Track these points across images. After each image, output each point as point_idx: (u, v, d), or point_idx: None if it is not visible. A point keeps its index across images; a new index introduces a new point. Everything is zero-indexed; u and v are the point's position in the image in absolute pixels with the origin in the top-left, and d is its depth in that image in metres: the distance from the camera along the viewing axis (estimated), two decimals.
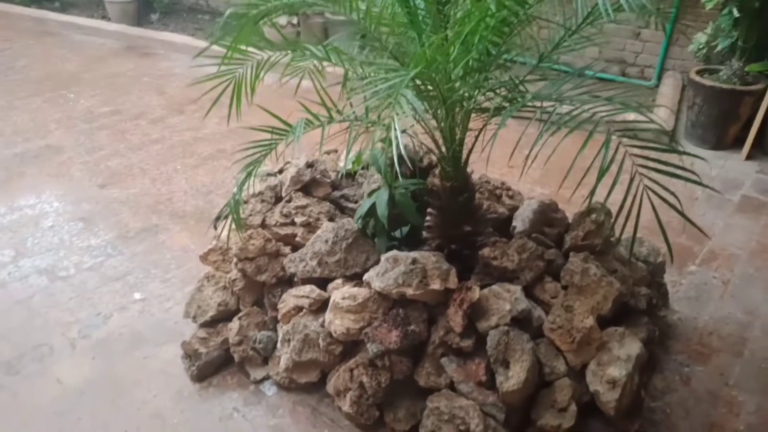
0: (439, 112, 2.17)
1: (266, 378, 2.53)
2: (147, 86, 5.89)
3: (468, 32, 1.76)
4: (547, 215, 2.61)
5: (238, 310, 2.64)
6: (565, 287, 2.43)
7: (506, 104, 2.04)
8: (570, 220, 2.64)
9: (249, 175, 1.93)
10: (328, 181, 2.91)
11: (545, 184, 4.19)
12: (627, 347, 2.22)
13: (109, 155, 4.55)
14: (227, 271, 2.71)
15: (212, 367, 2.58)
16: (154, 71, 6.31)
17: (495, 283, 2.37)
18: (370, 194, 2.51)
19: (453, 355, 2.20)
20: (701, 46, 4.83)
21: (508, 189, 2.85)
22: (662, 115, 4.87)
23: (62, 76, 6.19)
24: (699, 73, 4.74)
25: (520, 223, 2.63)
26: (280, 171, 3.04)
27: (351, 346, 2.35)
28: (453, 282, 2.20)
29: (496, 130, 1.79)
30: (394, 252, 2.32)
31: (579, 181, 1.91)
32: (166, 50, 6.91)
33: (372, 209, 2.41)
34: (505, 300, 2.21)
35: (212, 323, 2.62)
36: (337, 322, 2.27)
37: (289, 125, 2.06)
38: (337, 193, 2.92)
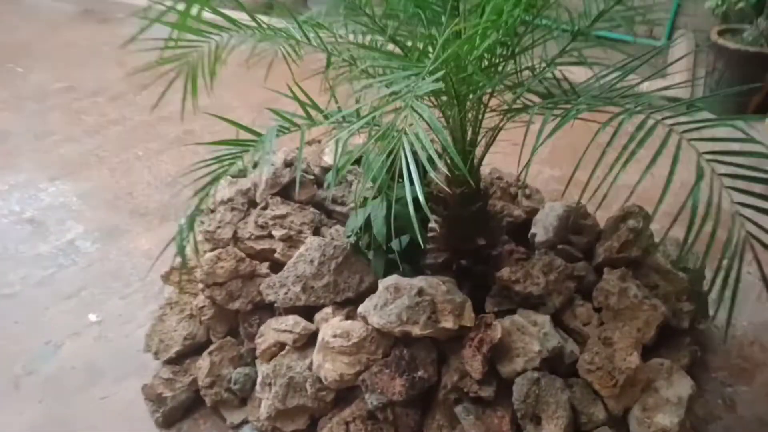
0: (449, 110, 1.71)
1: (245, 422, 2.13)
2: (106, 57, 5.27)
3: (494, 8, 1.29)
4: (575, 221, 2.19)
5: (208, 342, 2.22)
6: (598, 309, 2.04)
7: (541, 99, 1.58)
8: (601, 226, 2.22)
9: (201, 202, 1.48)
10: (312, 179, 2.46)
11: (555, 164, 3.75)
12: (676, 386, 1.85)
13: (62, 141, 4.01)
14: (194, 293, 2.28)
15: (181, 411, 2.17)
16: (114, 39, 5.65)
17: (516, 309, 1.97)
18: (363, 202, 2.06)
19: (469, 403, 1.81)
20: (720, 3, 4.34)
21: (525, 186, 2.41)
22: (677, 82, 4.42)
23: (9, 46, 5.54)
24: (720, 33, 4.26)
25: (541, 230, 2.21)
26: (289, 165, 2.55)
27: (346, 390, 1.95)
28: (469, 318, 1.79)
29: (544, 138, 1.35)
30: (394, 279, 1.90)
31: (596, 161, 1.46)
32: (128, 14, 6.23)
33: (367, 223, 1.97)
34: (532, 336, 1.81)
35: (178, 359, 2.20)
36: (328, 366, 1.86)
37: (257, 134, 1.59)
38: (322, 194, 2.46)
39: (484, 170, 2.50)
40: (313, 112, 1.64)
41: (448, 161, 1.98)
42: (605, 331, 1.90)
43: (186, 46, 1.81)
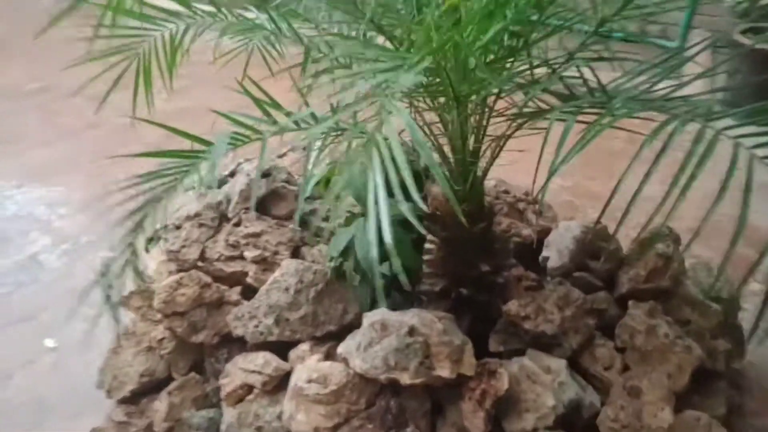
0: (447, 114, 1.42)
1: None
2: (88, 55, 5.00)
3: None
4: (594, 244, 1.88)
5: (169, 379, 1.93)
6: (621, 350, 1.74)
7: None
8: (625, 249, 1.92)
9: (138, 228, 1.19)
10: (294, 190, 2.16)
11: (566, 173, 3.43)
12: None
13: (34, 144, 3.74)
14: (156, 322, 1.98)
15: None
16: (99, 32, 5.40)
17: (525, 349, 1.67)
18: (347, 221, 1.77)
19: None
20: None
21: (535, 202, 2.12)
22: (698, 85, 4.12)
23: None
24: (744, 33, 3.96)
25: (555, 253, 1.91)
26: (232, 174, 2.28)
27: None
28: (469, 365, 1.49)
29: (568, 151, 1.06)
30: (381, 314, 1.60)
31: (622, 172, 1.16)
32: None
33: (350, 246, 1.68)
34: (546, 386, 1.51)
35: (134, 399, 1.91)
36: (301, 418, 1.56)
37: (207, 143, 1.31)
38: (306, 208, 2.17)
39: (489, 183, 2.20)
40: (281, 116, 1.35)
41: (446, 174, 1.68)
42: (631, 378, 1.60)
43: (130, 35, 1.53)
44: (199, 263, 1.96)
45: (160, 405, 1.83)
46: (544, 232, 2.03)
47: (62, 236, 2.94)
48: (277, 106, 1.34)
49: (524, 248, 2.08)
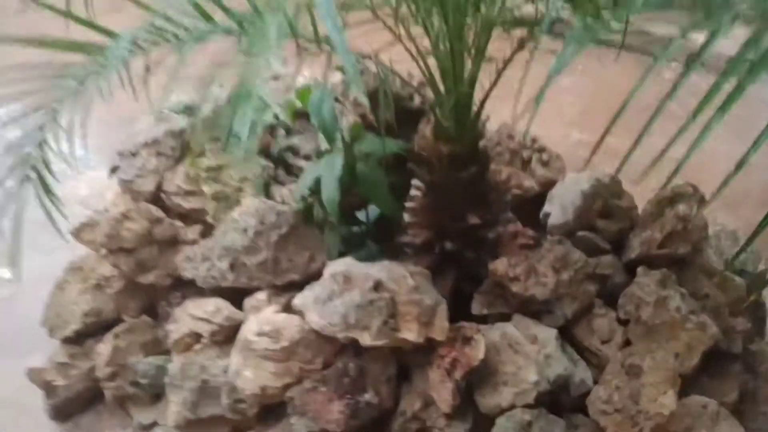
0: (434, 23, 1.15)
1: (156, 424, 1.68)
2: None
3: None
4: (604, 200, 1.63)
5: (118, 321, 1.75)
6: (624, 322, 1.51)
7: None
8: (640, 210, 1.66)
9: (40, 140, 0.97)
10: (268, 124, 1.92)
11: (586, 126, 3.15)
12: None
13: None
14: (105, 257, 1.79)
15: (79, 403, 1.73)
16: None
17: (512, 314, 1.44)
18: (319, 155, 1.53)
19: None
20: None
21: (542, 150, 1.85)
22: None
23: None
24: None
25: (558, 209, 1.66)
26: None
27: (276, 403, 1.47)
28: (441, 329, 1.28)
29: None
30: (346, 264, 1.38)
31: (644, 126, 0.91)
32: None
33: (318, 186, 1.45)
34: (529, 358, 1.29)
35: (78, 339, 1.74)
36: (248, 375, 1.37)
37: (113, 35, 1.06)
38: (282, 143, 1.93)
39: (491, 126, 1.94)
40: None
41: (435, 107, 1.43)
42: (632, 355, 1.37)
43: None
44: (169, 197, 1.74)
45: (104, 348, 1.66)
46: (549, 185, 1.77)
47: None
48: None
49: (525, 202, 1.82)
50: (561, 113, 3.41)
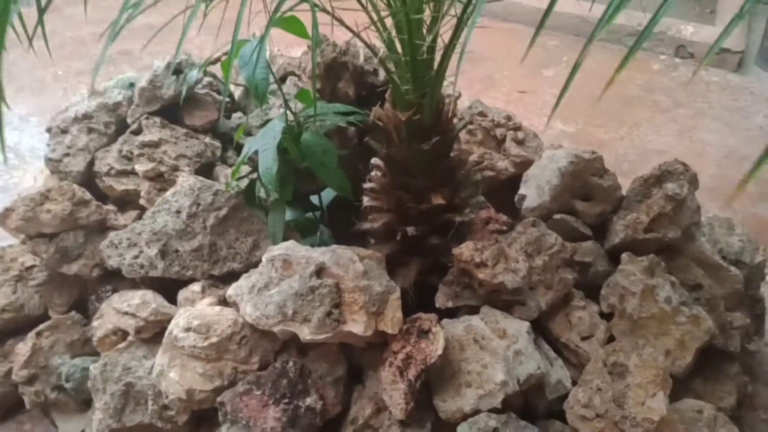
0: None
1: None
2: None
3: None
4: (584, 179, 1.45)
5: (45, 317, 1.55)
6: (608, 316, 1.33)
7: None
8: (624, 191, 1.49)
9: None
10: (219, 101, 1.74)
11: (569, 117, 3.00)
12: None
13: None
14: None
15: None
16: None
17: (479, 307, 1.26)
18: (263, 125, 1.35)
19: None
20: None
21: (517, 128, 1.68)
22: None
23: None
24: None
25: (534, 190, 1.48)
26: (178, 72, 1.77)
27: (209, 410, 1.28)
28: (393, 321, 1.09)
29: None
30: (286, 247, 1.20)
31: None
32: None
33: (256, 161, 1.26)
34: (496, 355, 1.11)
35: None
36: (173, 376, 1.18)
37: None
38: (232, 123, 1.75)
39: (462, 104, 1.77)
40: None
41: (389, 67, 1.25)
42: (616, 352, 1.19)
43: None
44: (101, 179, 1.55)
45: (23, 347, 1.46)
46: (525, 165, 1.60)
47: None
48: None
49: (499, 185, 1.66)
50: (544, 104, 3.27)
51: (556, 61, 3.59)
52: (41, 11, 1.05)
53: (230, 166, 1.67)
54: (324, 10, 1.11)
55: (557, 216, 1.42)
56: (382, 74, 1.79)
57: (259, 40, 1.17)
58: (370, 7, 1.16)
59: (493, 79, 3.38)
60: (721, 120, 3.07)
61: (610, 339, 1.31)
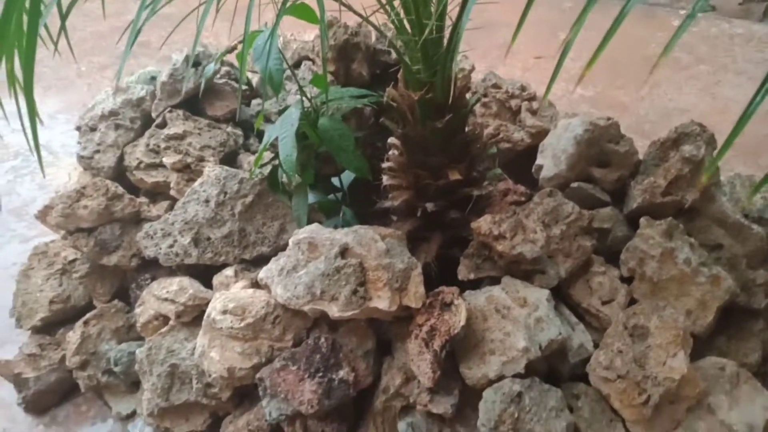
0: None
1: (136, 413, 1.59)
2: None
3: None
4: (601, 146, 1.47)
5: (89, 307, 1.65)
6: (628, 280, 1.36)
7: None
8: (641, 156, 1.50)
9: None
10: (243, 89, 1.78)
11: (587, 80, 2.96)
12: (744, 405, 1.18)
13: None
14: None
15: (54, 395, 1.65)
16: None
17: (501, 278, 1.31)
18: (281, 112, 1.39)
19: (421, 417, 1.20)
20: None
21: (532, 98, 1.69)
22: None
23: None
24: None
25: (550, 160, 1.50)
26: (196, 65, 1.84)
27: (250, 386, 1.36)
28: (416, 295, 1.14)
29: None
30: (310, 230, 1.25)
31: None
32: None
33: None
34: (517, 323, 1.15)
35: (48, 328, 1.65)
36: (214, 356, 1.26)
37: None
38: (251, 110, 1.80)
39: (476, 76, 1.78)
40: None
41: (399, 45, 1.28)
42: (636, 315, 1.22)
43: None
44: (132, 172, 1.62)
45: (73, 336, 1.56)
46: (541, 135, 1.61)
47: (10, 152, 2.66)
48: None
49: (516, 156, 1.68)
50: (562, 69, 3.22)
51: (573, 24, 3.53)
52: (63, 16, 1.10)
53: (253, 153, 1.72)
54: None
55: (574, 184, 1.44)
56: (395, 54, 1.81)
57: (270, 30, 1.21)
58: None
59: (509, 45, 3.35)
60: (746, 74, 2.99)
61: (631, 302, 1.34)
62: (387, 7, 1.24)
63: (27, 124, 0.77)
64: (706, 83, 2.99)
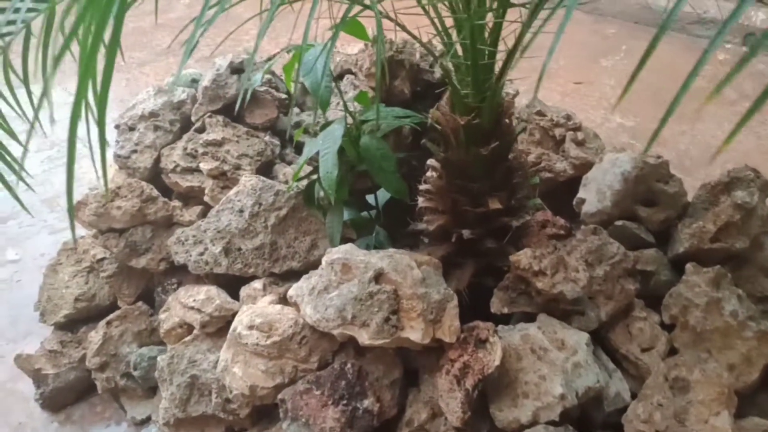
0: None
1: (151, 419, 1.57)
2: None
3: None
4: (648, 185, 1.41)
5: (114, 307, 1.64)
6: (669, 327, 1.30)
7: None
8: (690, 198, 1.44)
9: None
10: (279, 98, 1.77)
11: (628, 110, 2.90)
12: None
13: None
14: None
15: (71, 394, 1.64)
16: None
17: (537, 314, 1.26)
18: (322, 128, 1.37)
19: None
20: None
21: (577, 128, 1.64)
22: None
23: None
24: None
25: (593, 195, 1.45)
26: (238, 71, 1.82)
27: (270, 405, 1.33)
28: (450, 330, 1.10)
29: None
30: (345, 251, 1.22)
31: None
32: None
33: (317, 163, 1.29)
34: (554, 366, 1.11)
35: (70, 325, 1.64)
36: (237, 372, 1.23)
37: None
38: (289, 120, 1.78)
39: (520, 101, 1.74)
40: None
41: (450, 69, 1.25)
42: (678, 366, 1.17)
43: None
44: (167, 175, 1.61)
45: (95, 336, 1.55)
46: (585, 168, 1.57)
47: (47, 144, 2.68)
48: None
49: (556, 187, 1.63)
50: (602, 96, 3.16)
51: (615, 50, 3.46)
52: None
53: (288, 163, 1.70)
54: (387, 16, 1.11)
55: (619, 222, 1.39)
56: (437, 71, 1.78)
57: (322, 47, 1.19)
58: (432, 13, 1.15)
59: (549, 69, 3.30)
60: None
61: (671, 351, 1.28)
62: (441, 30, 1.21)
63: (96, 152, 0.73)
64: (750, 121, 2.91)
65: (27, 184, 1.18)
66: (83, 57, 0.56)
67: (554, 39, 0.61)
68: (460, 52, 1.23)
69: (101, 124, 0.57)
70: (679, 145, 2.76)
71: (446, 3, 1.08)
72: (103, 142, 0.56)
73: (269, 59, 1.97)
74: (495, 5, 1.08)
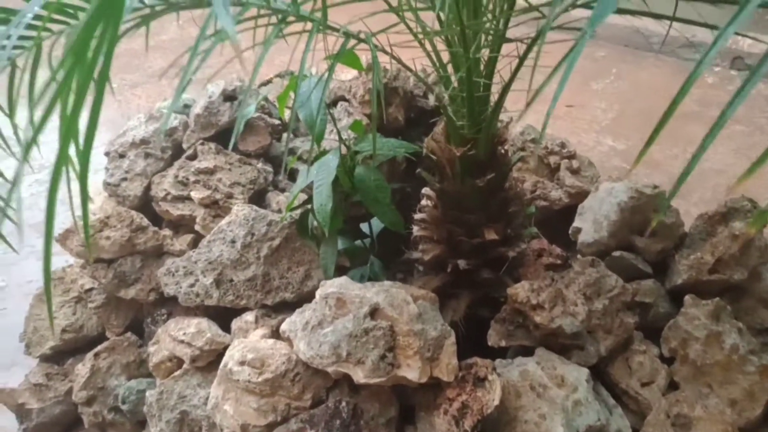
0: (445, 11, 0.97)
1: None
2: None
3: None
4: (645, 215, 1.40)
5: (102, 338, 1.60)
6: (669, 360, 1.28)
7: None
8: (687, 228, 1.43)
9: None
10: (272, 124, 1.75)
11: (619, 133, 2.92)
12: None
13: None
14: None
15: (56, 429, 1.59)
16: None
17: (535, 348, 1.24)
18: (317, 158, 1.35)
19: None
20: None
21: (572, 156, 1.63)
22: None
23: None
24: None
25: (590, 225, 1.44)
26: (231, 99, 1.80)
27: None
28: (448, 368, 1.07)
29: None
30: (340, 284, 1.19)
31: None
32: None
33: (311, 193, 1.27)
34: (554, 405, 1.08)
35: (57, 357, 1.60)
36: (227, 409, 1.19)
37: None
38: (282, 146, 1.77)
39: (514, 129, 1.73)
40: None
41: (445, 101, 1.24)
42: (679, 402, 1.15)
43: None
44: (158, 203, 1.58)
45: (82, 368, 1.51)
46: (580, 196, 1.56)
47: (37, 164, 2.65)
48: None
49: (552, 215, 1.62)
50: (593, 119, 3.18)
51: (605, 73, 3.49)
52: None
53: (281, 191, 1.68)
54: (383, 50, 1.10)
55: (616, 253, 1.38)
56: (431, 98, 1.78)
57: (317, 79, 1.17)
58: (429, 47, 1.14)
59: (540, 92, 3.33)
60: None
61: (671, 384, 1.26)
62: (436, 61, 1.20)
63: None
64: (741, 144, 2.93)
65: (8, 217, 1.15)
66: (65, 119, 0.53)
67: (563, 75, 0.59)
68: (455, 83, 1.22)
69: (83, 186, 0.55)
70: (671, 168, 2.77)
71: (442, 37, 1.07)
72: (85, 199, 0.54)
73: (262, 84, 1.96)
74: (491, 40, 1.07)
